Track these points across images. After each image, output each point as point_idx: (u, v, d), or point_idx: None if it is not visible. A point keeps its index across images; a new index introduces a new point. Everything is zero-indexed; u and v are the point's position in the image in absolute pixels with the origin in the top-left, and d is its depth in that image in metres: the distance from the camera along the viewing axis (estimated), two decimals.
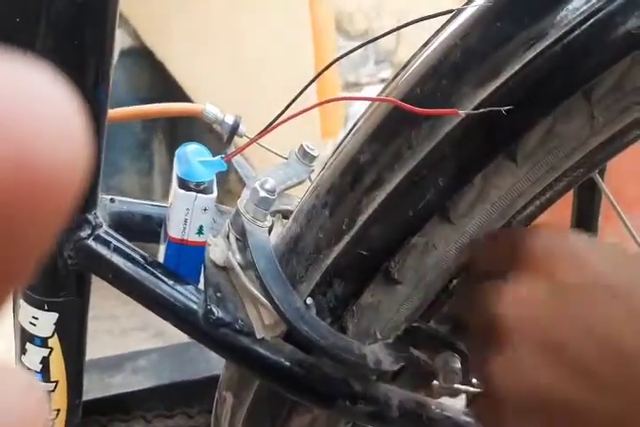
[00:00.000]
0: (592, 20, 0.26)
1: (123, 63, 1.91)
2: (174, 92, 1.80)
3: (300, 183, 0.40)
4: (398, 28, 0.28)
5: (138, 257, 0.33)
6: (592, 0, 0.26)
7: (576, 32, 0.26)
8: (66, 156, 0.09)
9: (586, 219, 0.48)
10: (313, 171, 0.40)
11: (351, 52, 0.30)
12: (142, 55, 1.86)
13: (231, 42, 1.58)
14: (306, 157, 0.39)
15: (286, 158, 0.40)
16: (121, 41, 1.90)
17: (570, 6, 0.26)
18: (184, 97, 1.73)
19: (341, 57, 0.31)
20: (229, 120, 0.38)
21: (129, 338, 1.36)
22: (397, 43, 1.70)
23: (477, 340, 0.29)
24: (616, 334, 0.25)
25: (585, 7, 0.26)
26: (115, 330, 1.43)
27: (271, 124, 0.32)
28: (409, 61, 0.31)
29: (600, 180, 0.38)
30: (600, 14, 0.25)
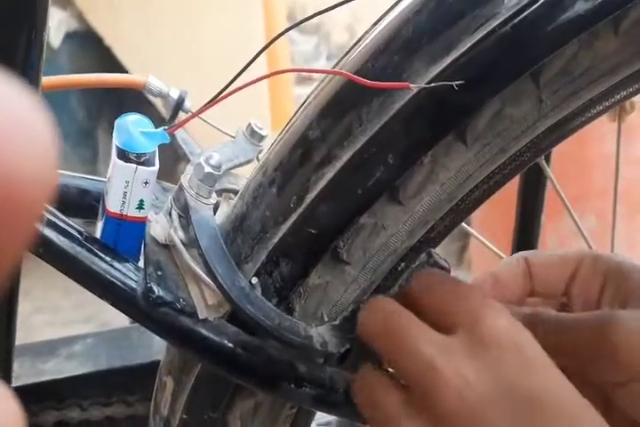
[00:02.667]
0: (541, 1, 0.26)
1: (67, 47, 1.85)
2: None
3: (247, 162, 0.39)
4: (340, 4, 0.27)
5: (73, 232, 0.31)
6: None
7: (525, 13, 0.26)
8: (35, 166, 0.09)
9: (530, 209, 0.49)
10: (261, 151, 0.39)
11: (299, 24, 0.29)
12: (88, 39, 1.80)
13: (182, 28, 1.54)
14: (254, 136, 0.38)
15: (234, 137, 0.39)
16: (66, 24, 1.83)
17: None
18: None
19: (288, 29, 0.30)
20: (174, 94, 0.36)
21: (72, 330, 1.32)
22: (350, 38, 1.70)
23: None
24: None
25: None
26: (57, 322, 1.38)
27: (216, 97, 0.31)
28: (363, 36, 0.31)
29: (546, 166, 0.39)
30: None
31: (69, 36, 1.81)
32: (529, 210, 0.46)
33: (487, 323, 0.26)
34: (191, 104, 0.38)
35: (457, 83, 0.25)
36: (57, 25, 1.78)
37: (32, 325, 1.33)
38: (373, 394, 0.28)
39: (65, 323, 1.36)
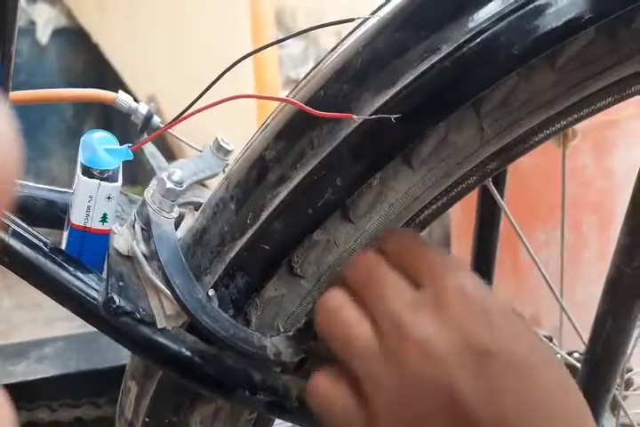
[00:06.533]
0: (479, 39, 0.28)
1: (55, 43, 1.85)
2: (109, 76, 1.75)
3: (212, 176, 0.40)
4: (305, 31, 0.29)
5: (38, 242, 0.33)
6: (480, 20, 0.28)
7: (464, 49, 0.28)
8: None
9: (487, 230, 0.50)
10: (227, 165, 0.40)
11: (268, 45, 0.31)
12: (76, 36, 1.81)
13: (169, 27, 1.55)
14: (220, 150, 0.40)
15: (202, 151, 0.41)
16: (54, 20, 1.83)
17: (461, 24, 0.28)
18: (120, 82, 1.69)
19: (257, 50, 0.32)
20: (143, 110, 0.38)
21: (54, 328, 1.32)
22: None
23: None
24: None
25: (473, 25, 0.28)
26: (39, 320, 1.38)
27: (182, 113, 0.33)
28: (317, 64, 0.33)
29: (495, 191, 0.41)
30: (486, 34, 0.27)
31: (57, 33, 1.82)
32: (486, 228, 0.48)
33: (453, 281, 0.29)
34: (176, 104, 0.39)
35: (394, 116, 0.27)
36: (45, 22, 1.79)
37: (13, 322, 1.33)
38: (344, 327, 0.31)
39: (47, 320, 1.37)
